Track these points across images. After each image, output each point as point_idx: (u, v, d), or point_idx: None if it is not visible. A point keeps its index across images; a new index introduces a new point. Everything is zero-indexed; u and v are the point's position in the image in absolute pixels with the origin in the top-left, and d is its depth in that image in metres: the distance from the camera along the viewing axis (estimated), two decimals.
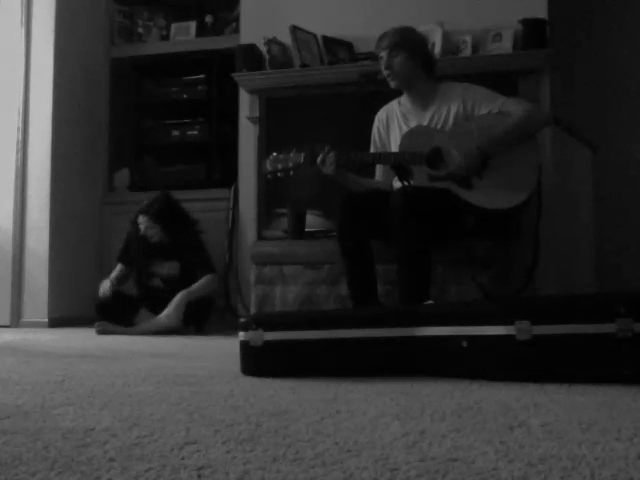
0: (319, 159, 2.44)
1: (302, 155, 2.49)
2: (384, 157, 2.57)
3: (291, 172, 2.52)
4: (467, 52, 3.23)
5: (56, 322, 3.57)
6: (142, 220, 3.32)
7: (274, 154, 2.56)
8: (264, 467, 0.83)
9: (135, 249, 3.39)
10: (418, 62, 2.49)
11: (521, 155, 2.38)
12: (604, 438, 0.97)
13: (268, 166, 2.55)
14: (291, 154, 2.51)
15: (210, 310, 3.35)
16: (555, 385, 1.43)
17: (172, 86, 4.17)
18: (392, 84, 2.53)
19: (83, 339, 2.84)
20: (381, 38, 2.53)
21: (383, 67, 2.51)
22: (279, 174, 2.53)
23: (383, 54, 2.50)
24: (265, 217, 3.37)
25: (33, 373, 1.73)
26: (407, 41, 2.49)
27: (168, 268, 3.32)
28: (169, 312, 3.12)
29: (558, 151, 3.16)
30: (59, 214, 3.69)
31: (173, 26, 4.20)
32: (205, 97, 4.10)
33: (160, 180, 4.03)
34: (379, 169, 2.68)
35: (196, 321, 3.23)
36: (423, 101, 2.54)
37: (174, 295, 3.17)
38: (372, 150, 2.69)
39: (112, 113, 4.24)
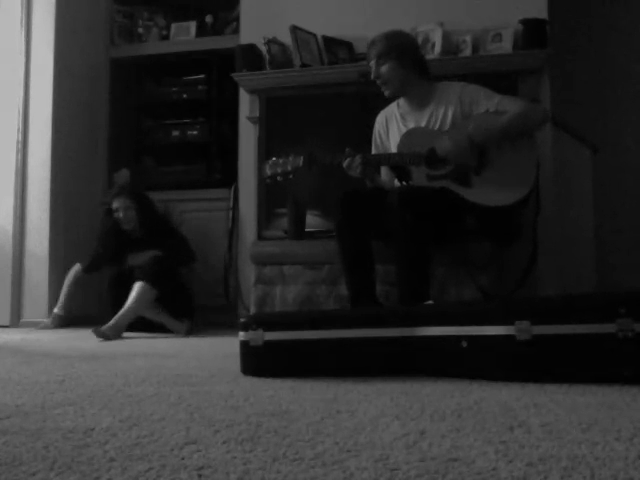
0: (345, 163, 2.44)
1: (301, 159, 2.49)
2: (384, 158, 2.57)
3: (290, 176, 2.52)
4: (467, 52, 3.23)
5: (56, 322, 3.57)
6: (118, 203, 3.30)
7: (273, 158, 2.57)
8: (264, 467, 0.83)
9: (112, 247, 3.32)
10: (408, 66, 2.49)
11: (519, 153, 2.38)
12: (604, 438, 0.97)
13: (267, 170, 2.55)
14: (290, 158, 2.52)
15: (190, 299, 3.32)
16: (555, 385, 1.43)
17: (172, 86, 4.17)
18: (385, 93, 2.55)
19: (83, 339, 2.84)
20: (369, 46, 2.54)
21: (372, 77, 2.53)
22: (278, 178, 2.54)
23: (372, 64, 2.52)
24: (265, 217, 3.37)
25: (33, 373, 1.73)
26: (393, 48, 2.48)
27: (137, 259, 3.23)
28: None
29: (558, 151, 3.16)
30: (59, 214, 3.69)
31: (173, 26, 4.20)
32: (205, 97, 4.11)
33: (160, 180, 4.04)
34: (383, 170, 2.69)
35: (181, 312, 3.19)
36: (420, 102, 2.54)
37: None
38: (373, 153, 2.69)
39: (112, 113, 4.24)
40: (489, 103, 2.42)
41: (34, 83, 3.71)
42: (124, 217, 3.29)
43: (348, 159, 2.43)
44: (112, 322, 2.89)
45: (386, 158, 2.56)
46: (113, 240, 3.33)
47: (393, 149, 2.58)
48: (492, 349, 1.53)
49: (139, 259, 3.19)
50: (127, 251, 3.29)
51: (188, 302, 3.31)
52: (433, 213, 2.29)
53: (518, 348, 1.49)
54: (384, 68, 2.49)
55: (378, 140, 2.69)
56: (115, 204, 3.32)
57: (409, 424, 1.07)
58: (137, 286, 3.02)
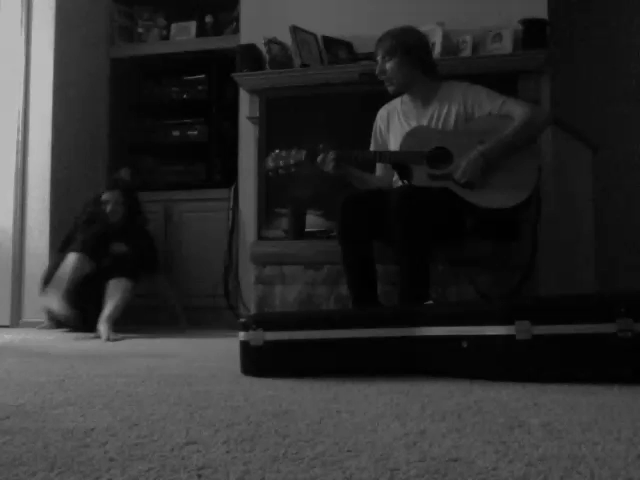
0: (319, 158, 2.46)
1: (304, 152, 2.50)
2: (385, 155, 2.57)
3: (292, 169, 2.53)
4: (467, 52, 3.23)
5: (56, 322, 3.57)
6: (109, 196, 3.33)
7: (276, 151, 2.57)
8: (264, 467, 0.83)
9: (92, 230, 3.28)
10: (412, 65, 2.49)
11: (521, 155, 2.38)
12: (604, 438, 0.97)
13: (270, 163, 2.56)
14: (293, 151, 2.52)
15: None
16: (555, 385, 1.43)
17: (172, 86, 4.17)
18: (389, 89, 2.56)
19: (83, 339, 2.84)
20: (378, 42, 2.55)
21: (377, 72, 2.53)
22: (280, 171, 2.54)
23: (378, 59, 2.53)
24: (265, 217, 3.37)
25: (33, 373, 1.73)
26: (400, 46, 2.48)
27: (117, 247, 3.23)
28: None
29: (558, 151, 3.16)
30: (59, 214, 3.69)
31: (173, 26, 4.20)
32: (205, 97, 4.11)
33: (160, 180, 4.04)
34: (379, 166, 2.69)
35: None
36: (424, 100, 2.55)
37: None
38: (372, 147, 2.70)
39: (112, 113, 4.23)
40: (492, 105, 2.42)
41: (34, 83, 3.71)
42: (112, 210, 3.31)
43: (321, 155, 2.44)
44: (107, 325, 2.89)
45: (387, 155, 2.56)
46: (94, 228, 3.31)
47: (393, 144, 2.59)
48: (492, 349, 1.53)
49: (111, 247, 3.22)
50: (108, 238, 3.28)
51: None
52: (434, 213, 2.29)
53: (518, 348, 1.50)
54: (389, 65, 2.49)
55: (378, 134, 2.69)
56: (106, 196, 3.34)
57: (409, 424, 1.07)
58: (122, 283, 3.06)
